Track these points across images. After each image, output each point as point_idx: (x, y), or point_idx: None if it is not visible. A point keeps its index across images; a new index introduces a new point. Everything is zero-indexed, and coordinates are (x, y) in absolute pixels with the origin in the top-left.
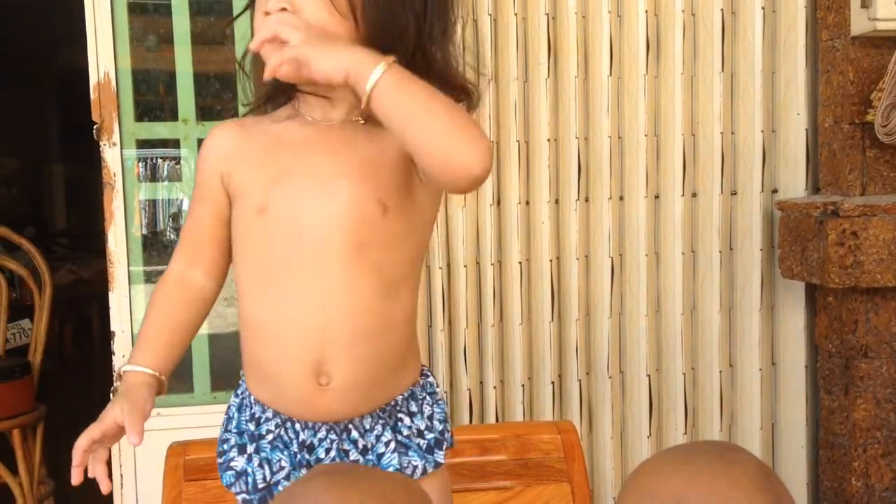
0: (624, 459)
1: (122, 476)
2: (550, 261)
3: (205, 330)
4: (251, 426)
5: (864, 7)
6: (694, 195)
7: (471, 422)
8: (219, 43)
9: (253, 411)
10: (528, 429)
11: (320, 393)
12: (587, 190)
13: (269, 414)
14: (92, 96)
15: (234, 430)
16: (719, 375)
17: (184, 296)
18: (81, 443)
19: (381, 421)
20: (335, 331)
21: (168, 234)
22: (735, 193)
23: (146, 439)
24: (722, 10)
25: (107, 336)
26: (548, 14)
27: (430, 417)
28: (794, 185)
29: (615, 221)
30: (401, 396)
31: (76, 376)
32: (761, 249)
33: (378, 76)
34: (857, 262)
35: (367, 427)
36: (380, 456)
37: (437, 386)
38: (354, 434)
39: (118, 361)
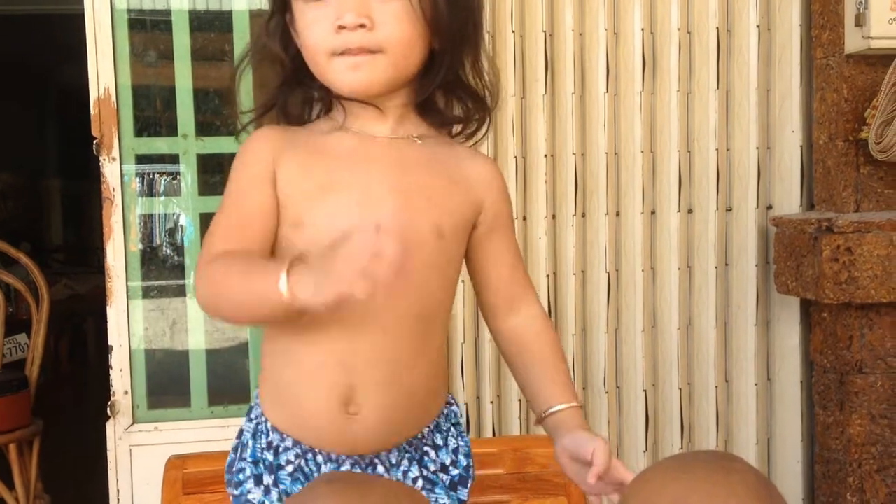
0: None
1: (118, 490)
2: (547, 276)
3: (202, 345)
4: (268, 455)
5: (858, 25)
6: (690, 211)
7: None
8: (219, 59)
9: (270, 439)
10: (526, 443)
11: (348, 423)
12: (584, 206)
13: (289, 443)
14: (92, 111)
15: (249, 459)
16: (715, 391)
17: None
18: None
19: (407, 455)
20: (369, 357)
21: (165, 249)
22: (730, 209)
23: (143, 453)
24: (717, 27)
25: (103, 351)
26: (545, 31)
27: (456, 451)
28: (789, 201)
29: (612, 237)
30: (426, 428)
31: (72, 391)
32: (756, 265)
33: None
34: (852, 278)
35: (394, 461)
36: None
37: (461, 416)
38: (380, 468)
39: (115, 377)
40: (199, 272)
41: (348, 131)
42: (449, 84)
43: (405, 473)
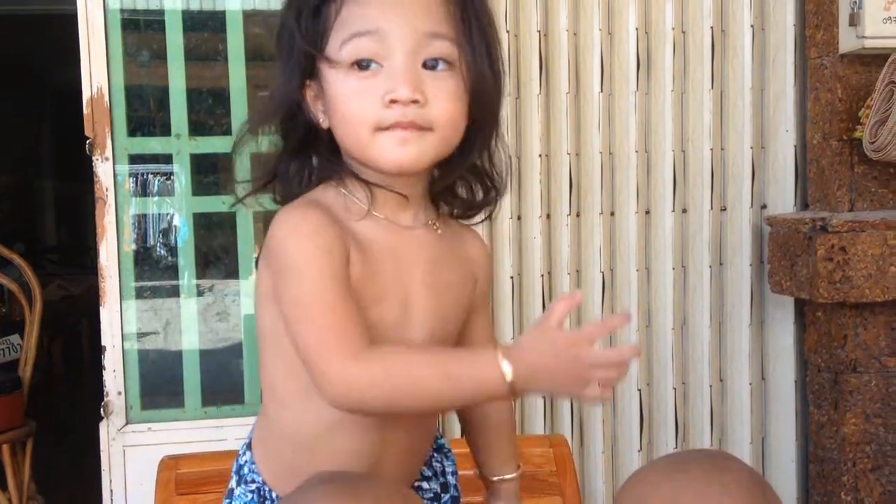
0: (615, 474)
1: (111, 491)
2: (542, 275)
3: (195, 345)
4: None
5: (853, 25)
6: (684, 211)
7: (463, 436)
8: (212, 59)
9: None
10: (520, 442)
11: None
12: (578, 205)
13: None
14: (85, 111)
15: None
16: (710, 390)
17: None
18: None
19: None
20: (394, 453)
21: (158, 249)
22: (725, 209)
23: (137, 454)
24: (712, 27)
25: (96, 352)
26: (539, 31)
27: (443, 473)
28: (783, 200)
29: (606, 236)
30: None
31: (65, 392)
32: (751, 265)
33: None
34: (846, 278)
35: None
36: None
37: (442, 437)
38: None
39: (109, 377)
40: (350, 371)
41: (378, 221)
42: (469, 168)
43: None
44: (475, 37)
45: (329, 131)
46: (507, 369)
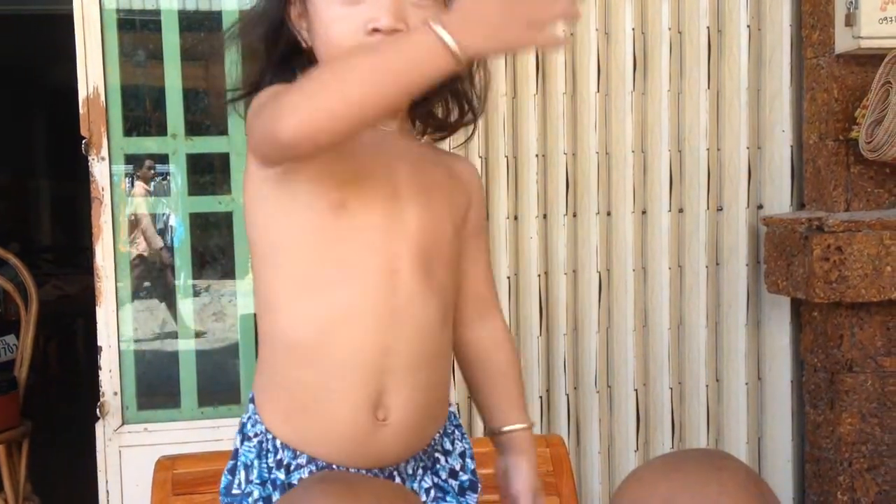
0: (611, 474)
1: (108, 492)
2: (538, 275)
3: (192, 346)
4: (279, 474)
5: (849, 25)
6: (680, 211)
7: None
8: (208, 59)
9: (280, 457)
10: None
11: (375, 430)
12: (575, 205)
13: (303, 460)
14: (81, 111)
15: (257, 481)
16: (706, 390)
17: None
18: None
19: (421, 463)
20: (398, 357)
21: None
22: (721, 209)
23: (133, 454)
24: (708, 27)
25: (91, 352)
26: None
27: (462, 455)
28: (780, 200)
29: (602, 236)
30: (437, 433)
31: (61, 392)
32: (747, 265)
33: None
34: (842, 277)
35: (410, 472)
36: None
37: (459, 416)
38: (397, 480)
39: (105, 377)
40: (291, 95)
41: None
42: (448, 88)
43: (420, 483)
44: None
45: (312, 50)
46: (440, 29)
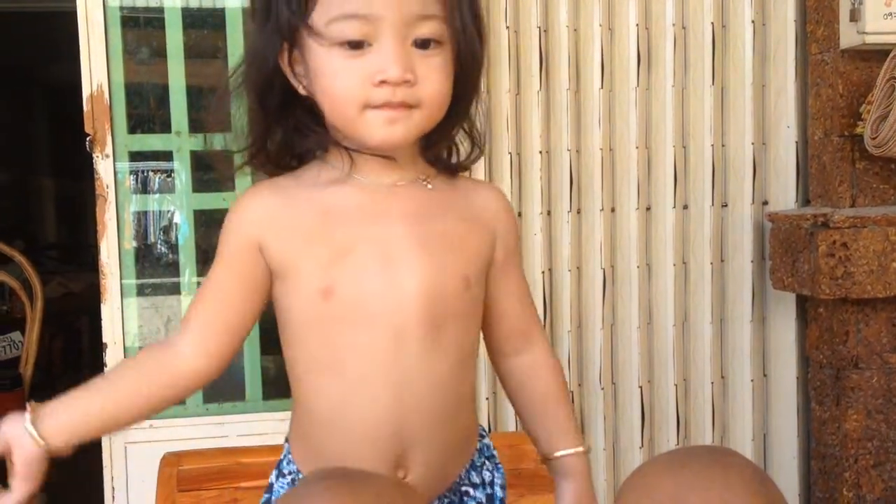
0: (616, 471)
1: (113, 488)
2: (543, 272)
3: None
4: None
5: (853, 21)
6: (685, 207)
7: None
8: (212, 56)
9: None
10: (521, 439)
11: None
12: (579, 202)
13: None
14: (85, 108)
15: None
16: (711, 387)
17: (155, 370)
18: None
19: (446, 500)
20: (415, 419)
21: (159, 246)
22: (726, 205)
23: (138, 451)
24: (712, 23)
25: (96, 349)
26: (540, 27)
27: (491, 484)
28: (785, 196)
29: (607, 233)
30: (463, 469)
31: (66, 389)
32: (752, 261)
33: None
34: (848, 274)
35: None
36: None
37: (494, 448)
38: None
39: None
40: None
41: (355, 183)
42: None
43: None
44: (465, 14)
45: (308, 97)
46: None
